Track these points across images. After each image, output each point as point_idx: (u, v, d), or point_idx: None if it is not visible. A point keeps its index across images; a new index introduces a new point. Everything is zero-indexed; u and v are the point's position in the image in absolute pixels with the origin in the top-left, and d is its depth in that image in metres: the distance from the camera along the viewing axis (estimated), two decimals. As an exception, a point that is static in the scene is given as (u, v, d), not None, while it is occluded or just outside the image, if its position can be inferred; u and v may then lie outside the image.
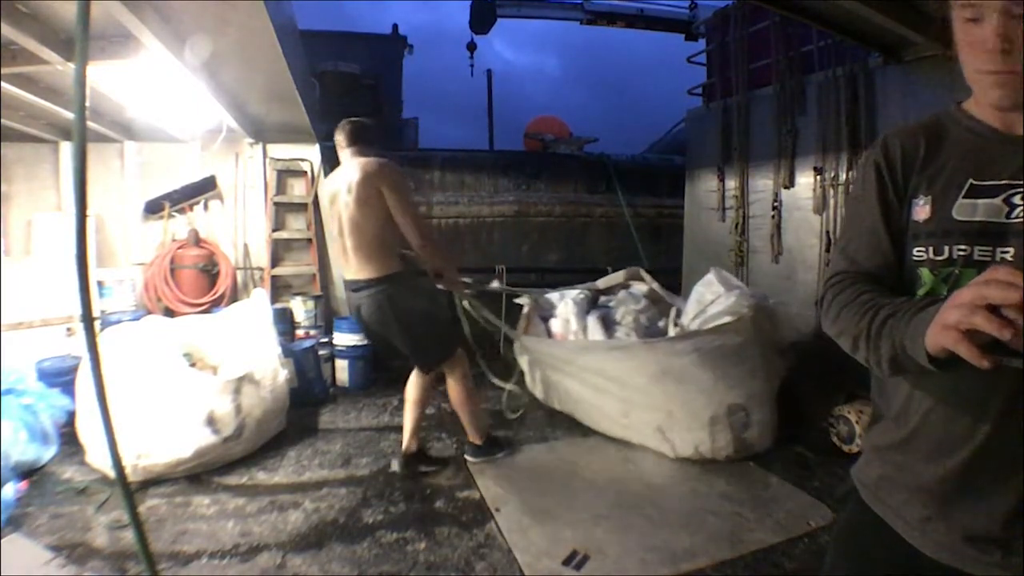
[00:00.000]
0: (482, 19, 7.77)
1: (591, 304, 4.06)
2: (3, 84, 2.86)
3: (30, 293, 3.85)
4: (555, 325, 4.01)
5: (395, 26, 10.15)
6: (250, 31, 2.65)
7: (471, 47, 8.87)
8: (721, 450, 2.99)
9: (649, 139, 8.83)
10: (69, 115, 3.61)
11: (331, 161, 5.19)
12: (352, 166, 2.80)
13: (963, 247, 0.80)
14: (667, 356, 3.07)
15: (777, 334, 3.23)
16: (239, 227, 4.93)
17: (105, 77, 3.04)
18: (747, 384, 2.98)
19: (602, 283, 4.43)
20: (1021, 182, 0.79)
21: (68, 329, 3.94)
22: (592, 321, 3.79)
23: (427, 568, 2.25)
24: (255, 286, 4.81)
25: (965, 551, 0.82)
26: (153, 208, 4.71)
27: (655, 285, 4.16)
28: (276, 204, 4.95)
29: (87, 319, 0.91)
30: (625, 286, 4.34)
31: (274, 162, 4.97)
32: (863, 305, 0.82)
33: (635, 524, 2.55)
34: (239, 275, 4.84)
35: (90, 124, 3.89)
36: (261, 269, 4.93)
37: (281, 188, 5.01)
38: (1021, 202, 0.78)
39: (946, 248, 0.82)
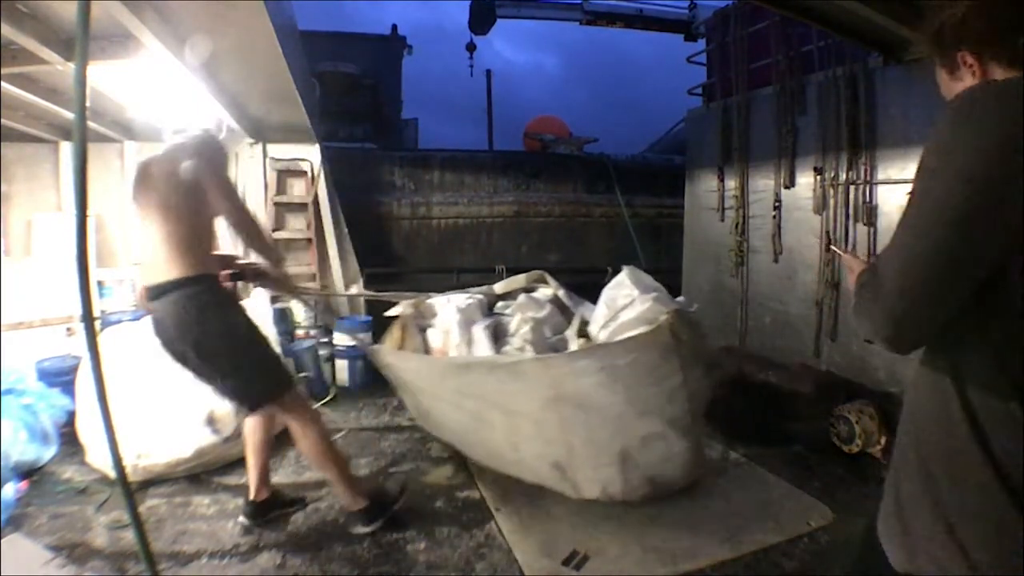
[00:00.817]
0: (481, 19, 7.78)
1: (484, 311, 3.39)
2: (3, 84, 2.86)
3: (30, 293, 3.85)
4: (433, 337, 3.28)
5: (394, 27, 10.15)
6: (250, 31, 2.65)
7: (470, 47, 8.88)
8: (635, 490, 2.48)
9: (649, 139, 8.84)
10: (69, 115, 3.60)
11: (331, 161, 5.21)
12: (171, 142, 2.37)
13: None
14: (564, 376, 2.40)
15: (702, 346, 2.68)
16: (239, 227, 4.92)
17: (105, 77, 3.04)
18: (666, 408, 2.39)
19: (500, 287, 3.76)
20: None
21: (68, 329, 3.94)
22: (479, 332, 3.07)
23: (427, 568, 2.25)
24: (255, 286, 4.80)
25: None
26: (153, 208, 4.70)
27: (561, 291, 3.47)
28: (276, 204, 4.95)
29: (87, 319, 0.91)
30: (528, 290, 3.69)
31: (274, 162, 4.97)
32: None
33: (635, 524, 2.55)
34: (239, 275, 4.84)
35: (90, 124, 3.89)
36: (261, 269, 4.93)
37: (281, 188, 5.01)
38: None
39: None
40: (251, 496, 2.48)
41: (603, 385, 2.37)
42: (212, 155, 2.23)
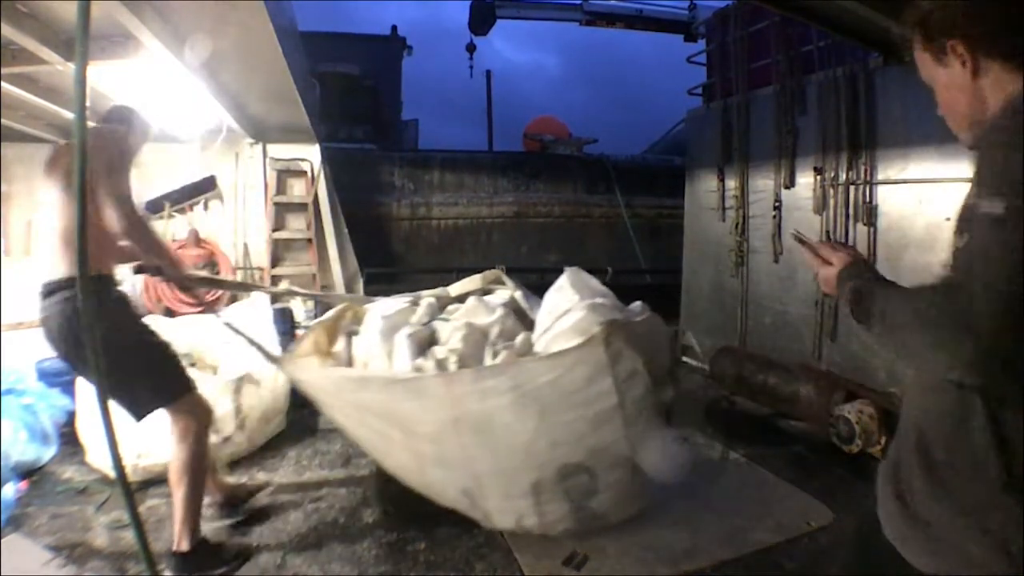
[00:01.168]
0: (481, 20, 7.78)
1: (433, 316, 2.94)
2: (3, 84, 2.86)
3: (30, 293, 3.85)
4: (359, 346, 2.84)
5: (394, 27, 10.16)
6: (250, 31, 2.65)
7: (470, 48, 8.87)
8: (556, 524, 2.20)
9: (649, 138, 8.85)
10: (69, 115, 3.61)
11: (331, 162, 5.21)
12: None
13: None
14: (468, 396, 2.06)
15: (656, 360, 2.27)
16: (239, 227, 4.93)
17: (105, 77, 3.04)
18: (590, 436, 2.07)
19: (455, 289, 3.37)
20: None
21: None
22: (401, 341, 2.61)
23: (427, 568, 2.25)
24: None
25: None
26: (153, 208, 4.70)
27: (519, 293, 3.08)
28: (276, 204, 4.95)
29: (87, 319, 0.91)
30: (486, 292, 3.32)
31: (274, 162, 4.97)
32: None
33: (635, 524, 2.55)
34: (239, 275, 4.84)
35: (90, 124, 3.89)
36: (261, 269, 4.93)
37: (281, 188, 5.01)
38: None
39: None
40: (175, 546, 2.10)
41: (512, 408, 2.05)
42: (106, 144, 2.07)
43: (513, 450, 2.10)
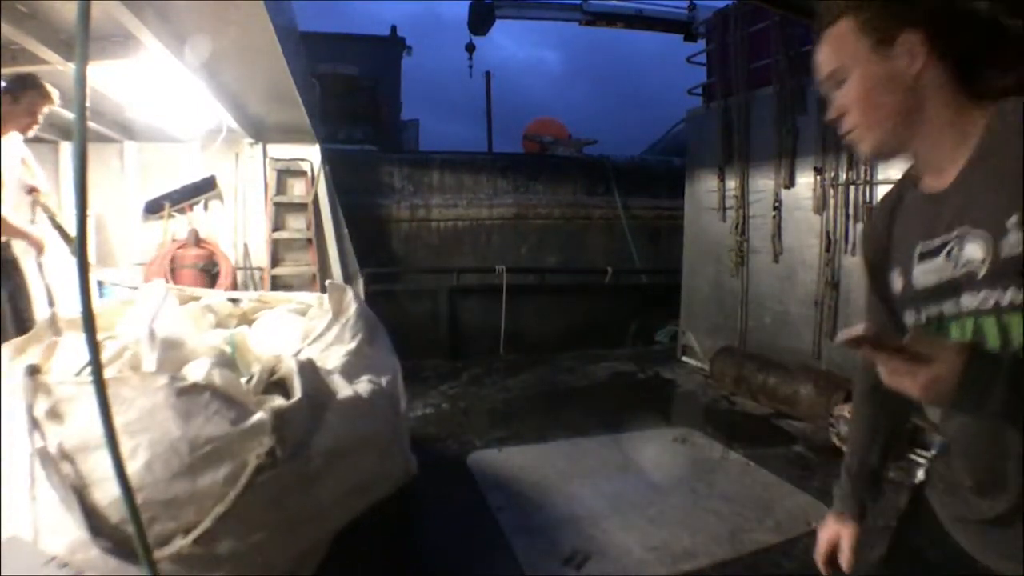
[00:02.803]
0: (481, 20, 7.78)
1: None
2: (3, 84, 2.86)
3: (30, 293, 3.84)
4: None
5: (394, 28, 10.16)
6: (250, 31, 2.65)
7: (470, 48, 8.86)
8: None
9: (649, 138, 8.85)
10: (69, 115, 3.60)
11: (331, 163, 5.21)
12: None
13: (933, 309, 0.86)
14: None
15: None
16: (239, 227, 4.93)
17: (105, 77, 3.04)
18: None
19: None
20: (949, 235, 0.82)
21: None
22: None
23: (428, 568, 2.25)
24: (255, 286, 4.80)
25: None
26: (153, 208, 4.71)
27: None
28: (276, 204, 4.95)
29: (87, 319, 0.91)
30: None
31: (274, 162, 4.97)
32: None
33: (635, 524, 2.55)
34: (239, 275, 4.84)
35: (90, 124, 3.89)
36: (261, 269, 4.92)
37: (281, 188, 5.01)
38: (956, 254, 0.81)
39: (923, 314, 0.87)
40: None
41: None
42: None
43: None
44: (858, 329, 0.69)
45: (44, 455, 1.38)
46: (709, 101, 5.11)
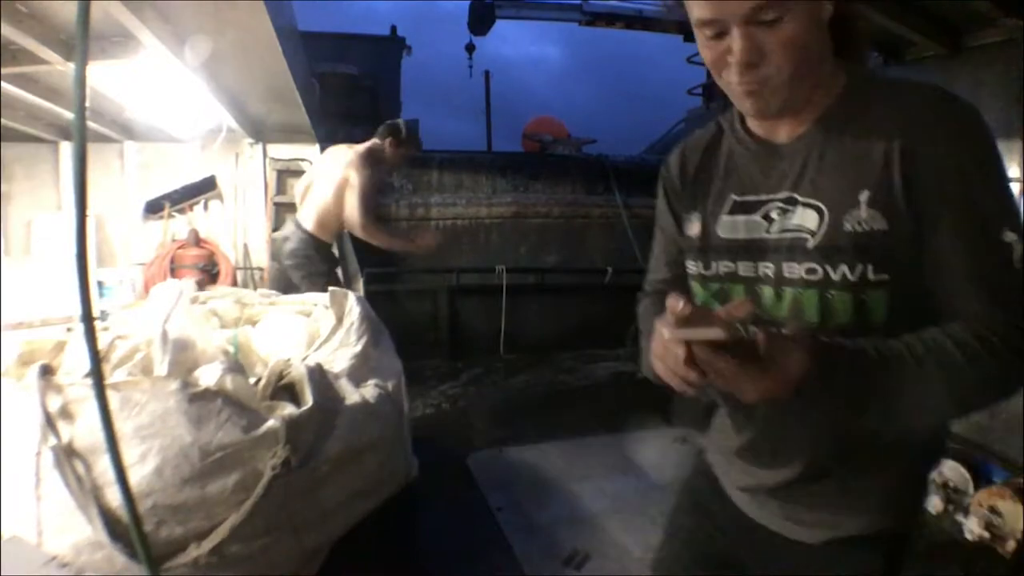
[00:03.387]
0: (481, 20, 7.78)
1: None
2: (3, 84, 2.86)
3: (30, 293, 3.85)
4: None
5: (393, 27, 10.15)
6: (250, 31, 2.65)
7: (470, 48, 8.86)
8: None
9: (649, 136, 8.85)
10: (69, 115, 3.60)
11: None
12: None
13: (728, 263, 0.82)
14: None
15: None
16: (239, 227, 4.93)
17: (105, 77, 3.04)
18: None
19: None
20: (777, 196, 0.78)
21: (68, 329, 3.94)
22: None
23: (428, 568, 2.25)
24: (255, 286, 4.80)
25: (740, 496, 0.94)
26: (153, 208, 4.71)
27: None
28: (276, 204, 4.95)
29: (87, 319, 0.91)
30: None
31: (274, 162, 4.97)
32: (642, 324, 0.90)
33: (635, 524, 2.55)
34: (239, 275, 4.84)
35: (90, 124, 3.89)
36: (261, 269, 4.92)
37: (281, 188, 5.01)
38: (777, 217, 0.77)
39: (713, 264, 0.84)
40: None
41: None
42: (370, 157, 3.02)
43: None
44: (697, 332, 0.59)
45: (58, 455, 1.38)
46: (709, 101, 5.12)
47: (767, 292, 0.78)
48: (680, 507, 1.12)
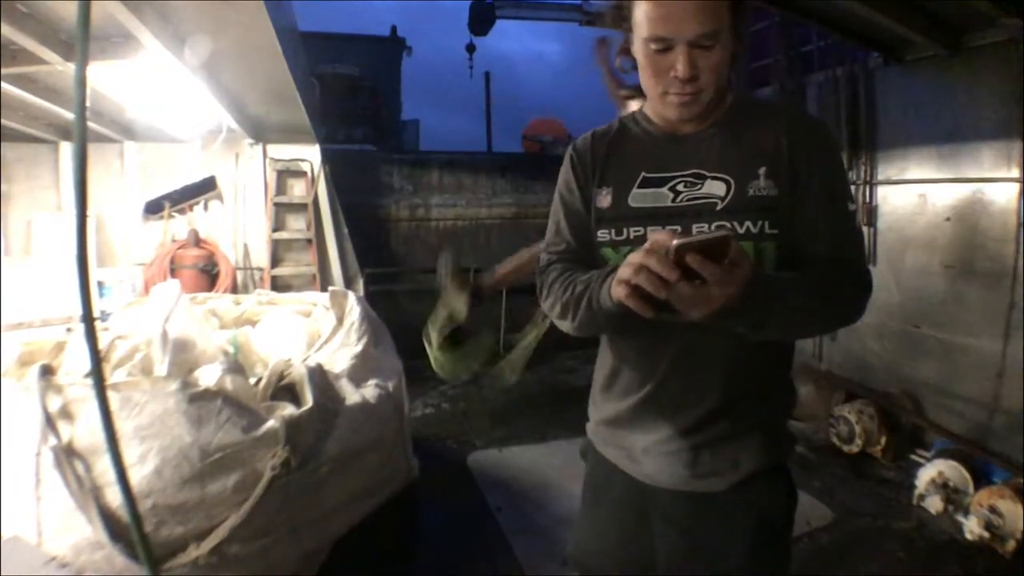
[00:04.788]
0: (481, 20, 7.77)
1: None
2: (3, 84, 2.86)
3: (30, 293, 3.85)
4: None
5: (394, 28, 10.16)
6: (250, 31, 2.64)
7: (470, 48, 8.84)
8: None
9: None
10: (69, 115, 3.60)
11: (331, 163, 5.21)
12: None
13: (638, 228, 1.00)
14: None
15: None
16: (239, 227, 4.92)
17: (105, 77, 3.03)
18: None
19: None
20: (682, 173, 1.00)
21: (68, 329, 3.94)
22: None
23: (428, 568, 2.25)
24: (255, 286, 4.80)
25: (643, 462, 1.08)
26: (153, 208, 4.70)
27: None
28: (276, 204, 4.95)
29: (87, 319, 0.91)
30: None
31: (274, 162, 4.96)
32: (565, 280, 1.02)
33: (635, 524, 2.55)
34: (239, 275, 4.84)
35: (90, 124, 3.89)
36: (261, 269, 4.92)
37: (281, 188, 5.01)
38: (683, 189, 0.99)
39: (625, 230, 1.01)
40: None
41: None
42: None
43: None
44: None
45: (58, 455, 1.38)
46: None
47: None
48: (586, 504, 1.24)
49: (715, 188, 0.97)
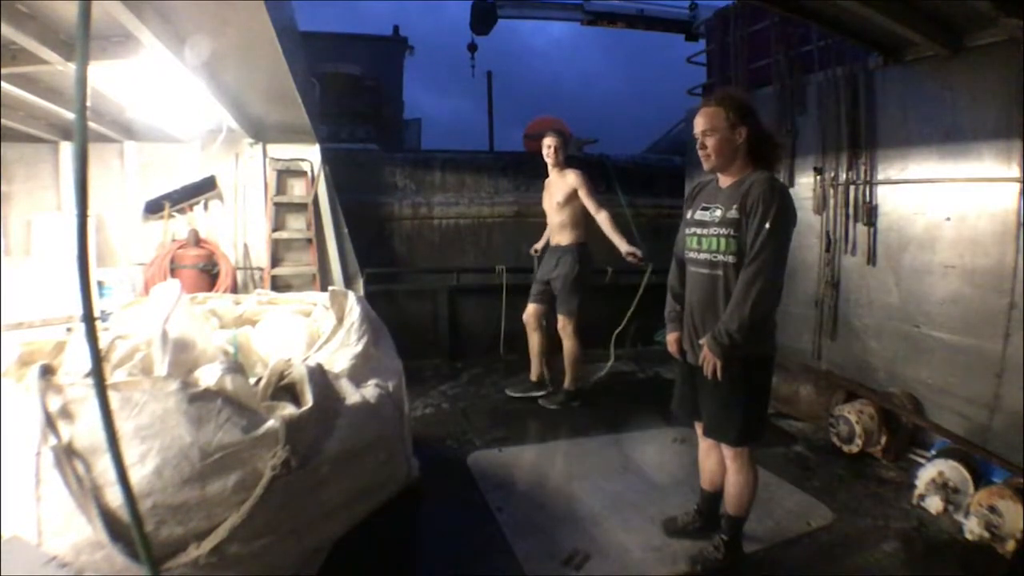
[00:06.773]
0: (483, 20, 7.77)
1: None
2: (3, 84, 2.86)
3: (30, 293, 3.85)
4: None
5: (396, 27, 10.16)
6: (250, 31, 2.65)
7: (472, 48, 8.84)
8: None
9: (651, 135, 8.85)
10: (69, 115, 3.60)
11: (333, 162, 5.21)
12: None
13: (696, 228, 2.22)
14: None
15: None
16: (239, 227, 4.93)
17: (105, 77, 3.04)
18: None
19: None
20: (715, 205, 2.16)
21: (68, 329, 3.94)
22: None
23: (428, 568, 2.25)
24: (255, 286, 4.80)
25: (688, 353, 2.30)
26: (153, 208, 4.70)
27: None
28: (276, 204, 4.95)
29: (88, 319, 0.91)
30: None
31: (274, 162, 4.96)
32: (669, 296, 2.45)
33: (635, 524, 2.55)
34: (239, 275, 4.84)
35: (90, 124, 3.89)
36: (261, 269, 4.92)
37: (281, 188, 5.01)
38: (713, 213, 2.16)
39: (690, 229, 2.24)
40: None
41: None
42: (586, 176, 4.39)
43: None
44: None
45: (58, 455, 1.38)
46: (709, 101, 5.12)
47: (706, 238, 2.17)
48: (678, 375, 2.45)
49: (718, 212, 2.14)
